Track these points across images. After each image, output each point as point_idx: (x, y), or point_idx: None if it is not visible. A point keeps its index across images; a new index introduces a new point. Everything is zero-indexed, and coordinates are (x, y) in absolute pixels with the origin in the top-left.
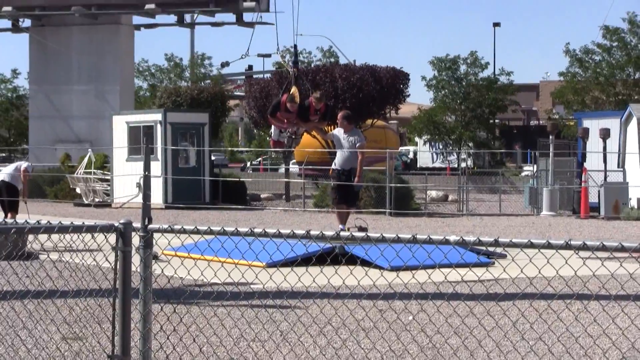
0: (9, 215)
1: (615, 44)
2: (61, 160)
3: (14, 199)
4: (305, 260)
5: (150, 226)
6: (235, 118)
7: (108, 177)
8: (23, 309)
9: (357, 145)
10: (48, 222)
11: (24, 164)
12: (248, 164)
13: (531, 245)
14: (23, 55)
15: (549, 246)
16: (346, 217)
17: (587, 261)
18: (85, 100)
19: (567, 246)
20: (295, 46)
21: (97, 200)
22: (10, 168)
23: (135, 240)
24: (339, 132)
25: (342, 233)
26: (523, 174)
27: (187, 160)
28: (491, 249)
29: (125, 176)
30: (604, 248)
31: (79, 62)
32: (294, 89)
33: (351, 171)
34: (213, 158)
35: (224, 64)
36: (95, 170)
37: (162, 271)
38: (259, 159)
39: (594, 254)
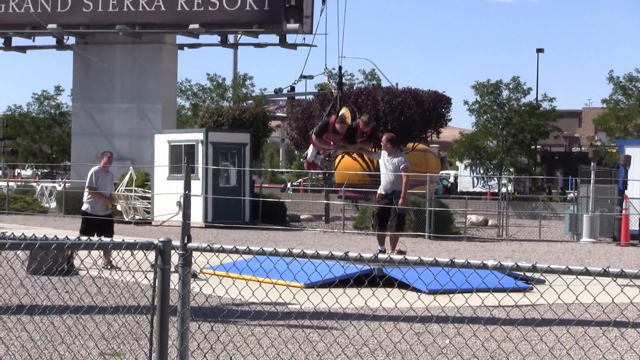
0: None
1: None
2: None
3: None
4: (343, 282)
5: (190, 245)
6: (277, 139)
7: (149, 195)
8: (62, 324)
9: (400, 167)
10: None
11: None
12: (288, 184)
13: (569, 272)
14: (67, 72)
15: (586, 273)
16: (384, 239)
17: (625, 289)
18: (128, 119)
19: (605, 273)
20: (339, 68)
21: (137, 217)
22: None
23: (175, 258)
24: (383, 155)
25: (380, 255)
26: (569, 196)
27: (227, 179)
28: (529, 274)
29: (166, 194)
30: None
31: (121, 80)
32: (345, 110)
33: (394, 194)
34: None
35: (277, 91)
36: (136, 188)
37: (201, 289)
38: (300, 179)
39: (632, 281)
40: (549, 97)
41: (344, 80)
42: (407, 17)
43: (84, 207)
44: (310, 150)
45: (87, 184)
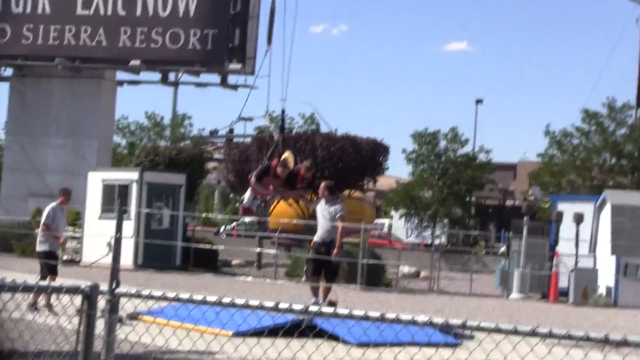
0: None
1: (593, 128)
2: (32, 215)
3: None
4: (273, 332)
5: (118, 290)
6: (213, 181)
7: (79, 235)
8: None
9: (337, 216)
10: (13, 280)
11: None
12: (222, 228)
13: (498, 330)
14: (1, 104)
15: (515, 332)
16: (318, 289)
17: (554, 349)
18: (62, 155)
19: (534, 333)
20: (282, 111)
21: (65, 257)
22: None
23: (102, 302)
24: (320, 203)
25: (310, 307)
26: (500, 250)
27: (160, 221)
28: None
29: (97, 235)
30: (569, 337)
31: (58, 115)
32: (287, 154)
33: (331, 243)
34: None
35: (213, 132)
36: (66, 227)
37: (127, 336)
38: (234, 224)
39: (559, 342)
40: (485, 149)
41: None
42: (349, 63)
43: (44, 247)
44: (248, 194)
45: (43, 221)
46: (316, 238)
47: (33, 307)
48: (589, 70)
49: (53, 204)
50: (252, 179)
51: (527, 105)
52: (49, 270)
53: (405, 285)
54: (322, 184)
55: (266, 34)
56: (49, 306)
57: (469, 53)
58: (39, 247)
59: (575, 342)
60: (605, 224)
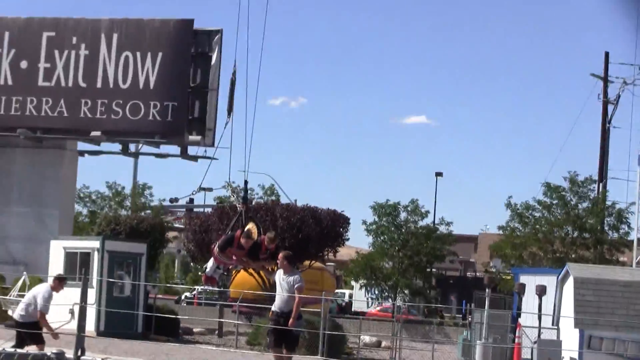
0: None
1: (555, 201)
2: None
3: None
4: None
5: (83, 358)
6: (173, 249)
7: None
8: None
9: (295, 287)
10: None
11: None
12: (182, 296)
13: None
14: None
15: None
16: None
17: None
18: (24, 222)
19: None
20: (245, 182)
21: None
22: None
23: None
24: (279, 273)
25: None
26: (461, 322)
27: (122, 289)
28: None
29: (59, 303)
30: None
31: (19, 184)
32: (251, 225)
33: (289, 313)
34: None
35: (173, 200)
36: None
37: None
38: (194, 292)
39: None
40: (446, 221)
41: (241, 195)
42: (308, 135)
43: (29, 319)
44: (210, 263)
45: (41, 305)
46: (274, 308)
47: None
48: (550, 143)
49: (48, 287)
50: (216, 249)
51: (487, 178)
52: (35, 339)
53: (367, 355)
54: (281, 254)
55: (226, 107)
56: None
57: (428, 126)
58: (23, 318)
59: None
60: (568, 296)
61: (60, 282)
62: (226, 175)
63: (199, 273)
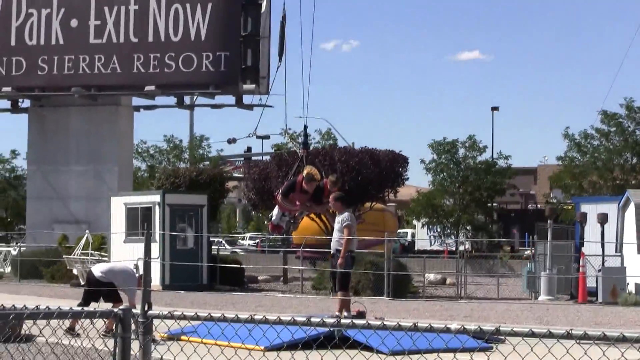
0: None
1: (613, 129)
2: (58, 241)
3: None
4: (306, 345)
5: (150, 312)
6: (234, 200)
7: (105, 259)
8: None
9: (343, 226)
10: (47, 307)
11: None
12: (246, 244)
13: (532, 335)
14: (22, 135)
15: (550, 335)
16: (341, 304)
17: (589, 350)
18: (83, 181)
19: (569, 335)
20: (305, 127)
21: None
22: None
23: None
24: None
25: (342, 320)
26: (525, 254)
27: (185, 242)
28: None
29: (123, 258)
30: (605, 338)
31: (77, 142)
32: (310, 168)
33: (338, 253)
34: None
35: (231, 141)
36: (92, 252)
37: (162, 357)
38: (257, 240)
39: (595, 343)
40: (504, 155)
41: (300, 140)
42: (362, 78)
43: (103, 278)
44: (276, 211)
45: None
46: (331, 249)
47: (72, 332)
48: (605, 71)
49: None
50: (279, 196)
51: (543, 110)
52: (112, 298)
53: (432, 293)
54: (331, 196)
55: (277, 52)
56: (71, 329)
57: (481, 61)
58: (103, 279)
59: (611, 342)
60: (630, 223)
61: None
62: (282, 122)
63: (265, 222)
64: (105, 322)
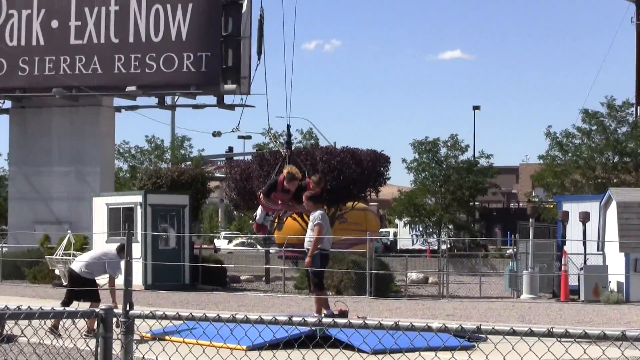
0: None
1: (594, 127)
2: (40, 242)
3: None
4: (288, 344)
5: (132, 312)
6: (216, 199)
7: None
8: None
9: (314, 224)
10: (29, 307)
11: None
12: (217, 244)
13: (513, 333)
14: (3, 136)
15: (531, 334)
16: (317, 304)
17: (570, 348)
18: (66, 182)
19: (550, 334)
20: (288, 127)
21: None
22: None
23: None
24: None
25: (323, 319)
26: (507, 252)
27: (167, 242)
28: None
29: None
30: (586, 336)
31: (59, 143)
32: (290, 167)
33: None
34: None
35: (216, 134)
36: (74, 252)
37: (143, 356)
38: (239, 240)
39: (576, 341)
40: (486, 154)
41: (282, 140)
42: (344, 77)
43: (84, 273)
44: (259, 211)
45: (112, 272)
46: (305, 248)
47: (54, 331)
48: (586, 70)
49: (117, 255)
50: (261, 195)
51: (525, 108)
52: (91, 297)
53: (415, 292)
54: (304, 195)
55: (255, 50)
56: (54, 328)
57: (463, 60)
58: (85, 274)
59: (592, 340)
60: (612, 221)
61: (122, 251)
62: (263, 122)
63: (250, 221)
64: (86, 322)
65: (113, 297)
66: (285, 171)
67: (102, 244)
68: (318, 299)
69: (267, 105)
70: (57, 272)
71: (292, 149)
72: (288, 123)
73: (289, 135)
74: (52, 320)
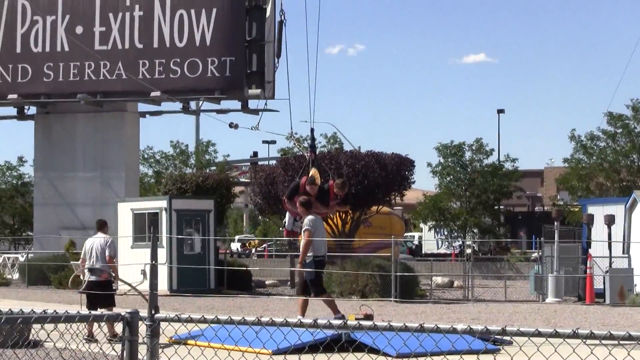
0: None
1: (619, 130)
2: (66, 247)
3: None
4: (312, 348)
5: (157, 315)
6: (240, 204)
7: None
8: None
9: (303, 230)
10: (54, 311)
11: (106, 249)
12: (253, 250)
13: (539, 334)
14: (29, 142)
15: (556, 335)
16: (330, 306)
17: (595, 349)
18: (90, 187)
19: (575, 335)
20: (312, 131)
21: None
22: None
23: (142, 328)
24: None
25: (349, 322)
26: (532, 256)
27: (192, 247)
28: (498, 336)
29: (130, 263)
30: (611, 337)
31: (83, 149)
32: (314, 171)
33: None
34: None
35: (233, 125)
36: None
37: None
38: (264, 245)
39: (601, 342)
40: (511, 158)
41: (305, 145)
42: (368, 81)
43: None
44: (287, 217)
45: (109, 250)
46: None
47: (90, 339)
48: (611, 73)
49: (102, 234)
50: (285, 199)
51: (549, 112)
52: (106, 302)
53: (440, 296)
54: (297, 200)
55: (275, 50)
56: (90, 336)
57: (487, 64)
58: (96, 277)
59: (617, 341)
60: (637, 224)
61: (103, 225)
62: (288, 127)
63: (280, 228)
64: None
65: (116, 273)
66: (310, 174)
67: (129, 259)
68: (328, 302)
69: (290, 108)
70: (82, 277)
71: (316, 152)
72: (312, 127)
73: (313, 138)
74: (87, 328)
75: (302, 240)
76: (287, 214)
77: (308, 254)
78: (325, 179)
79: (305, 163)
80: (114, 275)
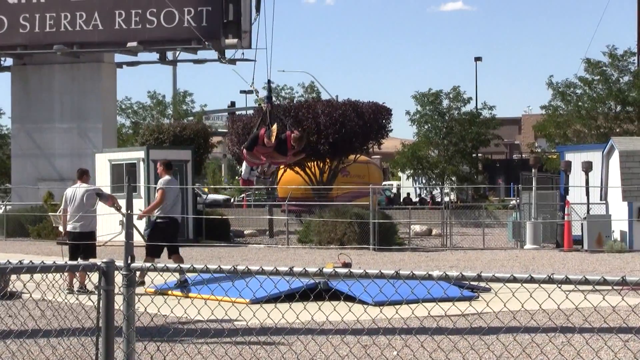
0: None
1: (597, 77)
2: (44, 199)
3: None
4: (289, 297)
5: (133, 265)
6: (219, 155)
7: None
8: (5, 349)
9: (156, 189)
10: (30, 261)
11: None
12: (231, 199)
13: (514, 280)
14: (5, 94)
15: (531, 280)
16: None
17: (570, 295)
18: (68, 139)
19: (550, 280)
20: (268, 81)
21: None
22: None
23: (118, 278)
24: None
25: (324, 269)
26: (511, 203)
27: None
28: (474, 283)
29: (109, 214)
30: (586, 282)
31: (61, 100)
32: (274, 127)
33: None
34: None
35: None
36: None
37: (146, 309)
38: (242, 195)
39: (576, 287)
40: (488, 106)
41: (283, 94)
42: (345, 31)
43: (79, 227)
44: (244, 167)
45: (101, 194)
46: None
47: (82, 288)
48: (588, 19)
49: (83, 184)
50: (244, 150)
51: (527, 59)
52: (87, 253)
53: (418, 244)
54: (159, 163)
55: (254, 3)
56: (72, 286)
57: (465, 12)
58: (81, 228)
59: (592, 286)
60: (615, 170)
61: (84, 174)
62: (265, 76)
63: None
64: (76, 278)
65: (115, 202)
66: (272, 128)
67: (107, 209)
68: (146, 259)
69: (267, 61)
70: (60, 228)
71: (287, 103)
72: (268, 77)
73: (270, 90)
74: (68, 279)
75: (156, 198)
76: (244, 163)
77: (156, 213)
78: (283, 129)
79: (262, 113)
80: (119, 208)
